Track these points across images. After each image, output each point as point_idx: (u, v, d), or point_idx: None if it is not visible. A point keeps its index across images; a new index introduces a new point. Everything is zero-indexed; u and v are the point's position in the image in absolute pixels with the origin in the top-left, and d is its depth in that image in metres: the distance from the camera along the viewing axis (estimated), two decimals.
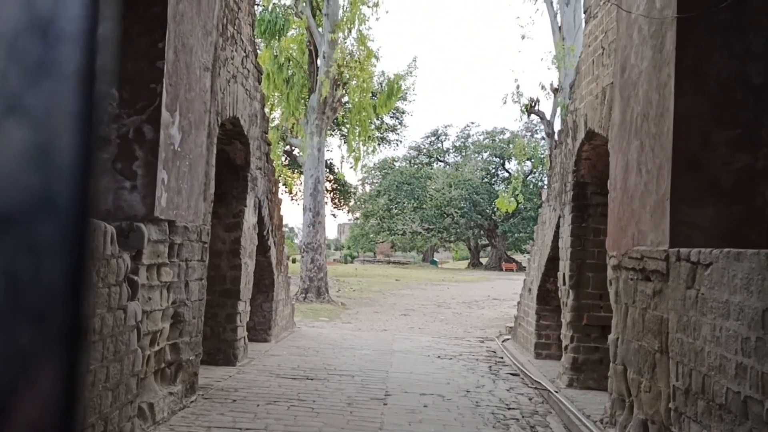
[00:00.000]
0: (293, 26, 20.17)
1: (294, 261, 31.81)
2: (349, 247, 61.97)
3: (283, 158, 29.03)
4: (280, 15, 19.62)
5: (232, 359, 8.67)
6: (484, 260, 56.83)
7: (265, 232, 10.22)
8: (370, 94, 21.01)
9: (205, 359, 7.63)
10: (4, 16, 0.44)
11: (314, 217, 19.69)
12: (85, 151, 0.47)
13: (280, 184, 20.28)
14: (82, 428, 0.48)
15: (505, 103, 21.66)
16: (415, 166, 52.76)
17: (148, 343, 5.57)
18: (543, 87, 20.71)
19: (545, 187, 11.19)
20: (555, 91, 19.83)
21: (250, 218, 9.17)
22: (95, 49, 0.47)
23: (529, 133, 43.76)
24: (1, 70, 0.43)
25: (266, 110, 11.37)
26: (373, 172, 51.04)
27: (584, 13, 8.83)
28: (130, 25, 5.52)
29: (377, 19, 47.60)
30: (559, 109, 18.85)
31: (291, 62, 20.45)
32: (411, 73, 25.51)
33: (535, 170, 43.05)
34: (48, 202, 0.46)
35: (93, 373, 4.35)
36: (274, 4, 20.03)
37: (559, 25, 18.72)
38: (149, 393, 5.66)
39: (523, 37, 24.45)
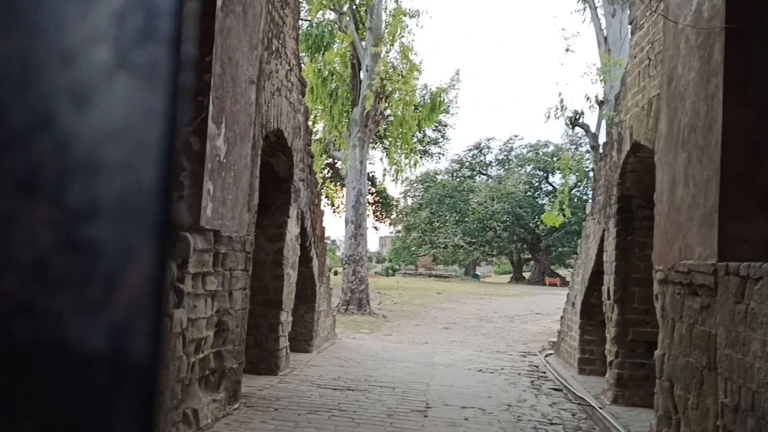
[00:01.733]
0: (337, 40, 20.39)
1: (336, 273, 31.96)
2: (390, 260, 61.97)
3: (325, 171, 29.28)
4: (326, 30, 19.87)
5: (274, 369, 8.75)
6: (526, 274, 56.20)
7: (307, 243, 10.32)
8: (413, 107, 21.07)
9: (247, 368, 7.72)
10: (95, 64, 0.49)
11: (356, 230, 19.78)
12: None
13: (323, 197, 20.45)
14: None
15: (548, 118, 21.50)
16: (458, 179, 52.57)
17: (193, 350, 5.66)
18: (588, 99, 20.51)
19: (590, 200, 11.04)
20: (600, 103, 19.61)
21: (292, 229, 9.27)
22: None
23: (574, 147, 43.27)
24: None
25: (309, 123, 11.49)
26: (415, 185, 51.01)
27: (630, 24, 8.73)
28: None
29: (421, 27, 47.80)
30: (604, 122, 18.62)
31: (334, 76, 20.66)
32: (454, 86, 25.55)
33: (579, 184, 42.51)
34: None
35: None
36: (318, 19, 20.30)
37: (605, 36, 18.53)
38: (193, 399, 5.75)
39: (567, 50, 24.26)
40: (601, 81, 18.85)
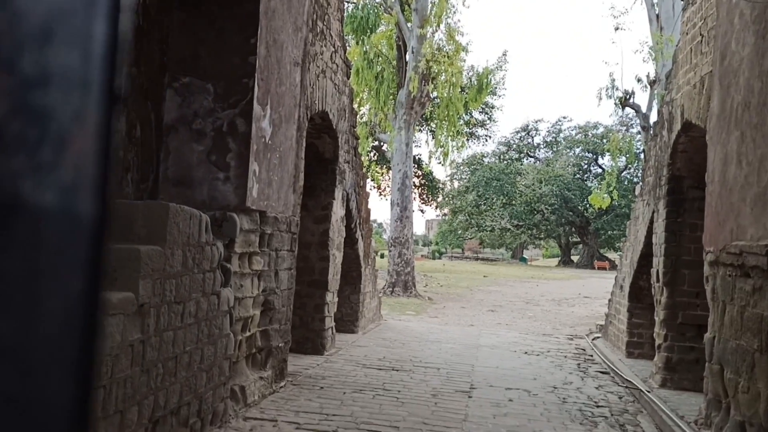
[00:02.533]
0: (383, 22, 20.33)
1: (382, 256, 32.08)
2: (437, 243, 61.92)
3: (371, 154, 29.29)
4: (371, 12, 19.80)
5: (319, 348, 8.87)
6: (575, 258, 55.48)
7: (352, 225, 10.38)
8: (459, 89, 20.88)
9: (293, 347, 7.84)
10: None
11: (402, 212, 19.80)
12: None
13: (368, 180, 20.50)
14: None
15: (600, 99, 21.11)
16: (505, 162, 52.04)
17: (240, 329, 5.78)
18: (639, 79, 20.04)
19: (640, 182, 10.83)
20: (651, 83, 19.13)
21: (338, 211, 9.34)
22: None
23: (624, 128, 42.32)
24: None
25: (355, 106, 11.51)
26: (461, 167, 50.69)
27: (682, 0, 8.48)
28: (224, 23, 5.75)
29: (468, 7, 47.25)
30: (655, 102, 18.17)
31: (380, 58, 20.62)
32: (501, 67, 25.23)
33: (629, 166, 41.63)
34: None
35: (189, 354, 4.57)
36: (364, 1, 20.25)
37: (657, 14, 18.03)
38: (241, 376, 5.88)
39: (617, 28, 23.66)
40: (653, 60, 18.38)
